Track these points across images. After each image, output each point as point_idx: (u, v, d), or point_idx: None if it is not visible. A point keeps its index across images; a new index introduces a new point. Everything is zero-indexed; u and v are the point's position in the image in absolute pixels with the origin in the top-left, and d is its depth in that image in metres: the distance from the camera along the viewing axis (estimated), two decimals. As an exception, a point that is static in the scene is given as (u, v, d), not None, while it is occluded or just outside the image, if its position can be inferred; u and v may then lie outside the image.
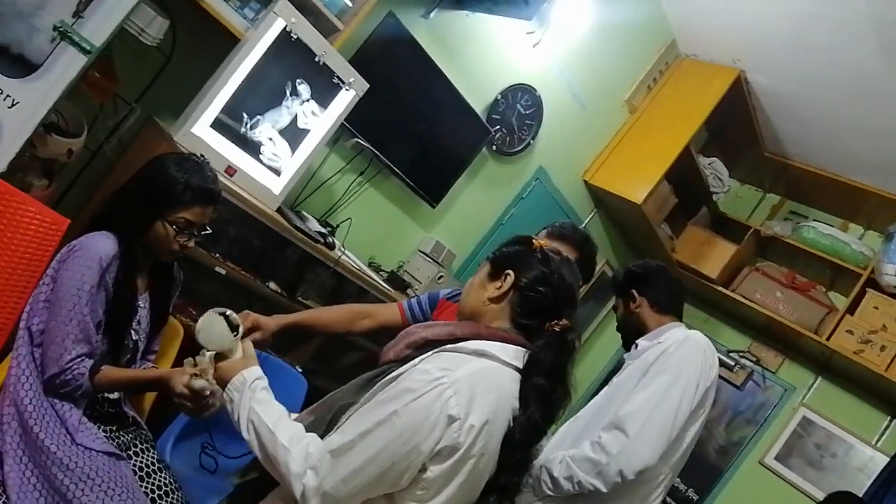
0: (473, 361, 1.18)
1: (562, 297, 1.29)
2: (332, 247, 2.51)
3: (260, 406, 1.21)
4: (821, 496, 3.44)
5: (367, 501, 1.13)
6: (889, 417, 3.71)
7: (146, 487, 1.65)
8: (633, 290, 2.07)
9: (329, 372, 2.82)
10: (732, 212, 4.52)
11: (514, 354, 1.23)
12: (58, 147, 2.01)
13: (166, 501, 1.67)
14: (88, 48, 1.73)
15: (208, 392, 1.54)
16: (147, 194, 1.65)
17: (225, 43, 2.16)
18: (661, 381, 1.75)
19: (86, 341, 1.54)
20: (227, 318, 1.40)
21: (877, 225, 4.07)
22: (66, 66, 1.72)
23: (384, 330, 2.00)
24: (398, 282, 3.10)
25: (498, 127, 3.40)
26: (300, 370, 2.44)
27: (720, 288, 4.12)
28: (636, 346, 2.00)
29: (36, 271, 1.70)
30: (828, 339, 3.54)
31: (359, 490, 1.10)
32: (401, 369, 1.18)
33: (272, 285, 2.46)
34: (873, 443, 3.67)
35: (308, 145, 2.34)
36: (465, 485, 1.15)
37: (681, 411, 1.71)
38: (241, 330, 1.41)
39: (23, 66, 1.68)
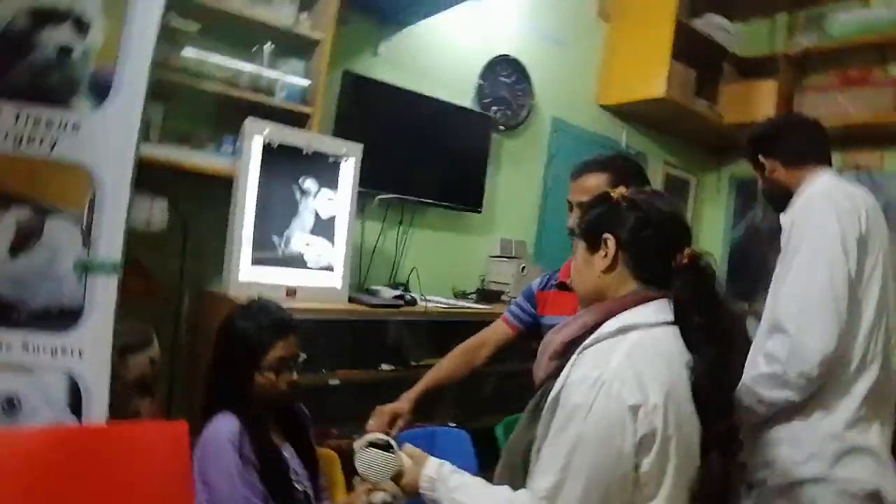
0: (621, 342, 1.11)
1: (671, 230, 1.20)
2: (413, 303, 2.49)
3: (458, 492, 1.19)
4: None
5: None
6: None
7: None
8: (760, 156, 1.83)
9: (480, 409, 2.78)
10: (754, 52, 4.26)
11: (658, 309, 1.15)
12: (139, 364, 2.06)
13: None
14: (113, 266, 1.76)
15: (390, 499, 1.54)
16: (232, 359, 1.66)
17: (223, 186, 2.19)
18: (799, 259, 1.55)
19: (262, 518, 1.55)
20: (375, 445, 1.37)
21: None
22: (105, 294, 1.75)
23: (503, 349, 1.98)
24: (489, 295, 3.07)
25: (495, 108, 3.33)
26: (454, 425, 2.42)
27: (786, 124, 3.88)
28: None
29: (188, 481, 1.72)
30: None
31: None
32: (557, 385, 1.13)
33: (385, 367, 2.45)
34: None
35: (342, 229, 2.33)
36: (681, 461, 1.07)
37: (836, 281, 1.49)
38: (393, 443, 1.38)
39: (70, 317, 1.72)
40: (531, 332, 1.95)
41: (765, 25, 4.37)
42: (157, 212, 2.07)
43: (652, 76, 3.57)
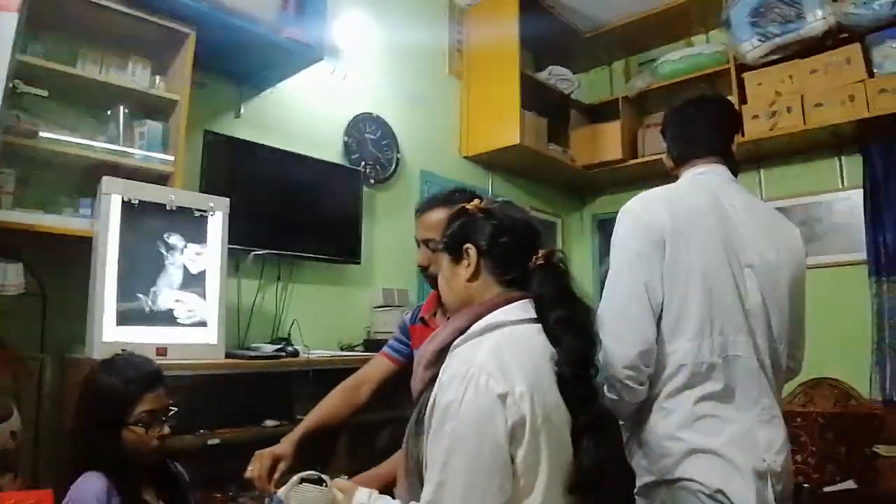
0: (487, 338, 1.16)
1: (525, 234, 1.28)
2: (295, 354, 2.46)
3: None
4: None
5: None
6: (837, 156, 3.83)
7: None
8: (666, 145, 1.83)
9: (374, 462, 2.74)
10: (596, 98, 4.69)
11: (522, 308, 1.22)
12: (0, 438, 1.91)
13: None
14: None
15: None
16: (97, 415, 1.58)
17: (82, 247, 2.12)
18: (609, 273, 1.57)
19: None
20: (307, 481, 1.34)
21: (711, 24, 4.26)
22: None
23: (385, 384, 1.96)
24: (376, 345, 3.05)
25: (363, 163, 3.43)
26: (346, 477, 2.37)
27: (633, 161, 4.26)
28: None
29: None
30: (742, 135, 3.64)
31: None
32: (434, 391, 1.16)
33: (269, 423, 2.38)
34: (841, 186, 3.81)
35: (213, 283, 2.29)
36: (552, 452, 1.11)
37: (633, 286, 1.49)
38: (325, 478, 1.35)
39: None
40: (411, 363, 1.97)
41: (603, 73, 4.86)
42: (11, 276, 1.97)
43: (506, 126, 3.84)
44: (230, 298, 2.49)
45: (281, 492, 1.35)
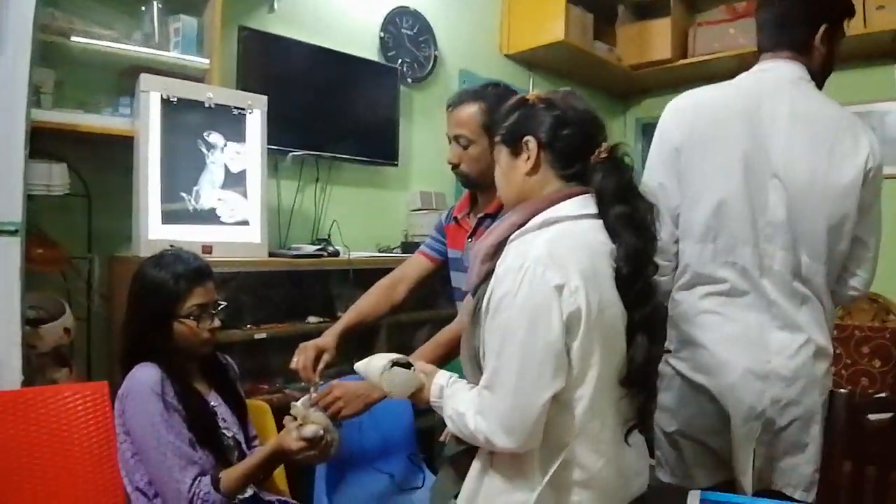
0: (544, 232, 1.15)
1: (588, 127, 1.23)
2: (336, 254, 2.49)
3: (452, 397, 1.24)
4: None
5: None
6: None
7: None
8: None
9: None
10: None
11: (582, 203, 1.19)
12: (53, 334, 2.00)
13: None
14: (13, 228, 1.70)
15: (322, 432, 1.55)
16: (148, 308, 1.62)
17: (124, 147, 2.13)
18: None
19: (190, 463, 1.52)
20: (397, 364, 1.37)
21: None
22: (6, 257, 1.69)
23: (423, 283, 2.00)
24: (413, 248, 3.06)
25: (399, 60, 3.33)
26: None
27: (682, 61, 4.06)
28: None
29: (110, 439, 1.70)
30: (865, 27, 3.35)
31: (527, 404, 1.09)
32: (491, 283, 1.16)
33: (312, 319, 2.45)
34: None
35: (254, 182, 2.30)
36: (606, 345, 1.12)
37: (651, 186, 1.51)
38: (412, 361, 1.39)
39: (-32, 281, 1.66)
40: (447, 261, 1.98)
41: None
42: (56, 176, 1.99)
43: (550, 21, 3.66)
44: (270, 199, 2.50)
45: (372, 374, 1.39)
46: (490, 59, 3.89)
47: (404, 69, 3.34)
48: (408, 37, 3.39)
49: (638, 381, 1.15)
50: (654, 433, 1.60)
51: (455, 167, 1.77)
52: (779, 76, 1.52)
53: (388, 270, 1.97)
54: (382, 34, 3.27)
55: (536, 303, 1.08)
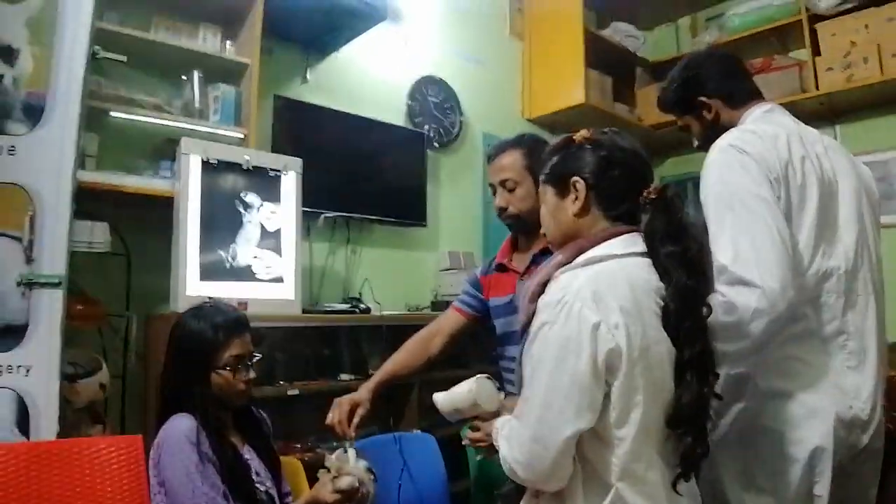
0: (587, 269, 1.14)
1: (636, 166, 1.23)
2: (368, 311, 2.50)
3: (505, 428, 1.22)
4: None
5: (578, 449, 1.09)
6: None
7: None
8: (701, 97, 1.63)
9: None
10: (663, 56, 4.54)
11: (629, 241, 1.17)
12: (89, 390, 2.01)
13: None
14: (57, 280, 1.75)
15: (357, 484, 1.53)
16: (187, 359, 1.63)
17: (163, 208, 2.20)
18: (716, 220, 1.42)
19: (223, 514, 1.51)
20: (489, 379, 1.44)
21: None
22: (49, 308, 1.74)
23: (456, 338, 1.99)
24: (443, 307, 3.07)
25: (426, 126, 3.44)
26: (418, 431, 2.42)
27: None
28: None
29: (144, 491, 1.68)
30: (817, 88, 3.51)
31: (548, 437, 1.07)
32: (532, 322, 1.16)
33: (344, 377, 2.44)
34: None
35: (288, 241, 2.35)
36: (651, 384, 1.09)
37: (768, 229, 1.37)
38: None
39: (15, 333, 1.70)
40: (482, 316, 1.99)
41: (669, 29, 4.65)
42: (98, 234, 2.05)
43: (570, 85, 3.76)
44: (302, 260, 2.54)
45: (462, 387, 1.43)
46: (512, 123, 3.99)
47: (431, 134, 3.45)
48: (433, 104, 3.51)
49: (686, 421, 1.11)
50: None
51: (503, 211, 1.82)
52: (787, 115, 1.59)
53: (419, 327, 1.97)
54: (409, 102, 3.40)
55: (569, 337, 1.06)
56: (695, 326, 1.13)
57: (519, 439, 1.11)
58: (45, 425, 1.70)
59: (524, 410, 1.11)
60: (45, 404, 1.71)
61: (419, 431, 2.41)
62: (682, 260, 1.14)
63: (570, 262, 1.18)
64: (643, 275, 1.14)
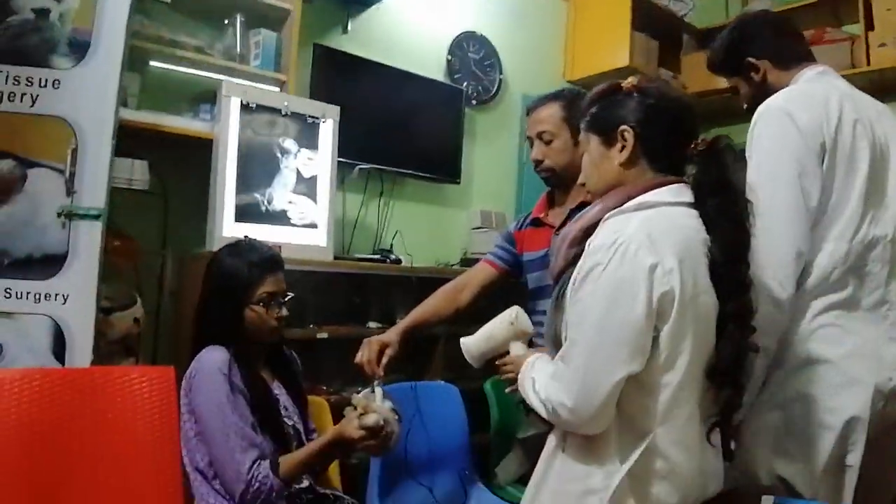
0: (639, 214, 1.12)
1: (685, 117, 1.20)
2: (399, 261, 2.52)
3: (532, 369, 1.24)
4: None
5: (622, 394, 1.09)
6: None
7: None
8: (750, 58, 1.60)
9: (469, 368, 2.80)
10: (711, 21, 4.40)
11: (678, 192, 1.16)
12: (123, 323, 2.07)
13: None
14: (97, 213, 1.78)
15: (382, 422, 1.55)
16: (222, 293, 1.67)
17: (202, 150, 2.23)
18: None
19: (252, 446, 1.54)
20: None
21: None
22: (88, 240, 1.78)
23: (486, 291, 2.00)
24: (473, 265, 3.08)
25: (465, 83, 3.40)
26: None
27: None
28: None
29: (173, 421, 1.73)
30: (868, 64, 3.36)
31: (597, 381, 1.06)
32: (578, 263, 1.14)
33: (372, 325, 2.47)
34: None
35: (323, 187, 2.37)
36: (698, 332, 1.09)
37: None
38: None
39: (54, 263, 1.75)
40: (513, 271, 1.99)
41: (719, -6, 4.50)
42: (138, 172, 2.09)
43: (614, 47, 3.68)
44: (336, 210, 2.56)
45: (502, 318, 1.48)
46: (553, 84, 3.89)
47: (469, 91, 3.41)
48: (473, 61, 3.46)
49: (724, 374, 1.11)
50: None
51: (538, 164, 1.82)
52: (840, 78, 1.55)
53: (449, 280, 1.98)
54: (450, 57, 3.36)
55: (624, 279, 1.05)
56: (739, 279, 1.12)
57: (566, 383, 1.09)
58: (80, 354, 1.76)
59: (572, 353, 1.10)
60: (80, 333, 1.76)
61: (443, 382, 2.44)
62: (730, 213, 1.13)
63: (619, 206, 1.16)
64: (693, 224, 1.13)
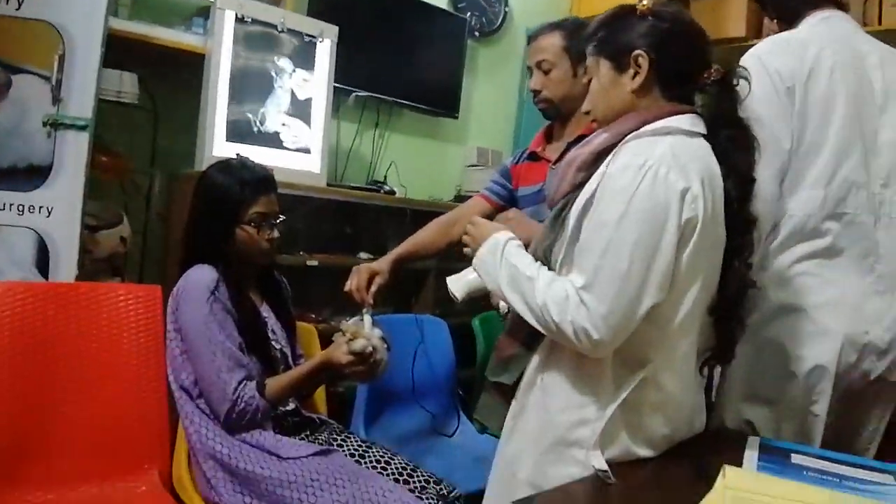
0: (663, 139, 1.06)
1: (700, 44, 1.14)
2: (392, 193, 2.48)
3: (514, 256, 1.14)
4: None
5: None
6: None
7: (366, 465, 1.65)
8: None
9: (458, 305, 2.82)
10: (725, -34, 4.27)
11: (693, 121, 1.11)
12: (110, 241, 2.03)
13: (391, 468, 1.67)
14: (84, 123, 1.73)
15: (370, 348, 1.54)
16: (213, 211, 1.62)
17: (193, 66, 2.15)
18: None
19: (238, 366, 1.53)
20: None
21: None
22: (74, 151, 1.73)
23: None
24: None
25: (469, 13, 3.29)
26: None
27: (756, 41, 3.90)
28: None
29: (159, 339, 1.71)
30: (880, 24, 3.25)
31: (628, 311, 1.00)
32: (590, 185, 1.08)
33: (363, 255, 2.45)
34: None
35: (318, 111, 2.30)
36: (711, 260, 1.07)
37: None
38: None
39: (38, 174, 1.70)
40: (508, 206, 1.95)
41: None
42: (127, 85, 2.02)
43: (624, -14, 3.56)
44: (329, 137, 2.49)
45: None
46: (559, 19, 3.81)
47: (473, 22, 3.30)
48: (478, -12, 3.34)
49: (726, 310, 1.10)
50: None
51: (537, 94, 1.76)
52: (850, 22, 1.52)
53: (442, 214, 1.94)
54: (455, -19, 3.24)
55: (657, 203, 0.99)
56: (748, 213, 1.11)
57: (591, 311, 1.00)
58: (64, 269, 1.73)
59: (599, 281, 1.00)
60: (64, 248, 1.73)
61: (432, 316, 2.44)
62: (742, 144, 1.10)
63: (632, 131, 1.10)
64: (710, 156, 1.09)
